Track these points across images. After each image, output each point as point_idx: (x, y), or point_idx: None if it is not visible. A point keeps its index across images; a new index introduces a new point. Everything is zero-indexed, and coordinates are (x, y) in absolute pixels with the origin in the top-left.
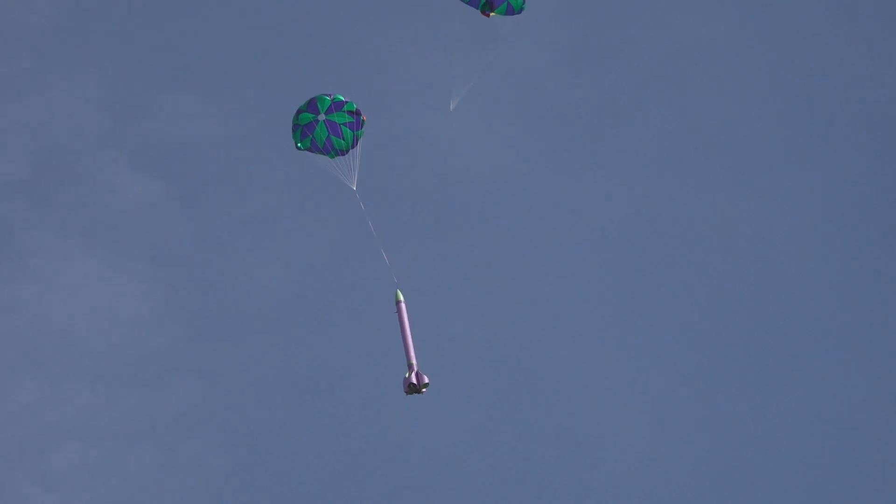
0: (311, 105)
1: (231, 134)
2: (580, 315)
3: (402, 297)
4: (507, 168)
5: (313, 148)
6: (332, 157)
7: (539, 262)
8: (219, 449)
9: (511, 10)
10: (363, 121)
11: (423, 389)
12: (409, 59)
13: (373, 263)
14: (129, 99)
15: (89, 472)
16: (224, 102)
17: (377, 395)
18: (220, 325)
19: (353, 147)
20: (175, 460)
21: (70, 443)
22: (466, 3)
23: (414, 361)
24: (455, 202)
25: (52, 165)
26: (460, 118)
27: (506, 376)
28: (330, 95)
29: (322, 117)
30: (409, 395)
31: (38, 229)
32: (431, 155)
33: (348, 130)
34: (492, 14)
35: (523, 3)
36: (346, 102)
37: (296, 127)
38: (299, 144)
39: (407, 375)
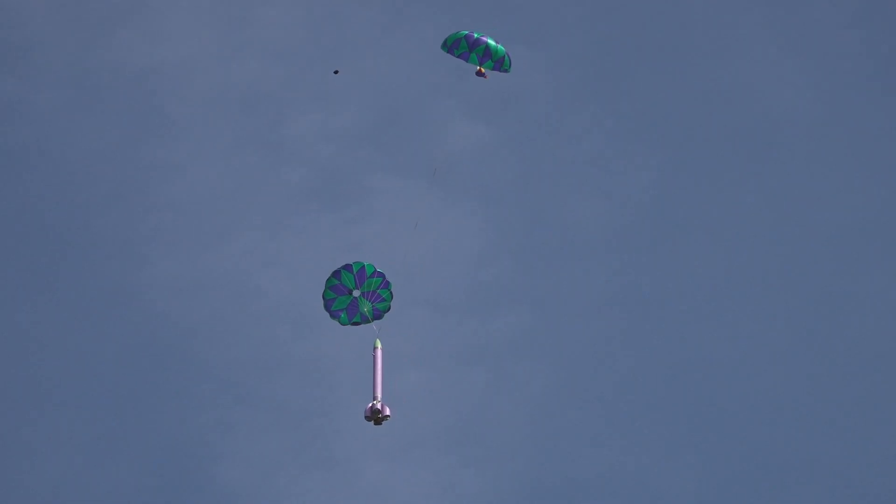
0: (338, 288)
1: (558, 83)
2: None
3: (379, 345)
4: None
5: (364, 320)
6: (381, 318)
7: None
8: (546, 371)
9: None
10: (382, 272)
11: (383, 420)
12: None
13: (697, 195)
14: None
15: (428, 395)
16: (553, 54)
17: (696, 318)
18: (547, 257)
19: (392, 298)
20: (506, 383)
21: (410, 368)
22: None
23: (379, 395)
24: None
25: (395, 115)
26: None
27: None
28: (347, 268)
29: (356, 293)
30: (368, 420)
31: (381, 173)
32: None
33: (385, 291)
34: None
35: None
36: (365, 266)
37: (337, 313)
38: (355, 321)
39: (371, 403)
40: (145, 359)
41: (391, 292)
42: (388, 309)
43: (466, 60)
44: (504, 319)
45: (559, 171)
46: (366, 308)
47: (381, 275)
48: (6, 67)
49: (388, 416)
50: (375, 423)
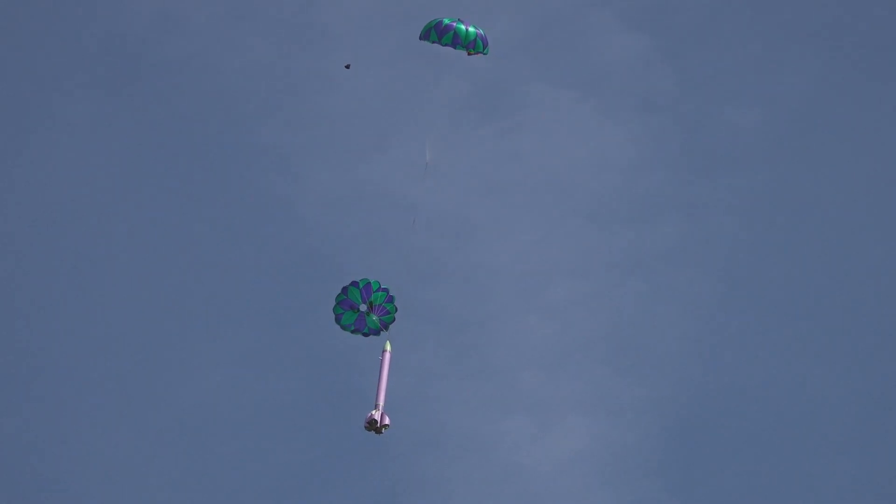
0: (345, 303)
1: None
2: None
3: (388, 348)
4: None
5: (373, 333)
6: (388, 329)
7: None
8: (703, 280)
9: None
10: (386, 288)
11: (383, 430)
12: None
13: (854, 100)
14: None
15: (584, 305)
16: None
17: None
18: (702, 166)
19: (396, 311)
20: (662, 292)
21: (566, 277)
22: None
23: (381, 402)
24: None
25: (551, 26)
26: None
27: None
28: (354, 284)
29: (363, 308)
30: (367, 431)
31: (537, 84)
32: None
33: (391, 305)
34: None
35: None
36: (370, 283)
37: (347, 326)
38: (363, 332)
39: (371, 412)
40: (299, 271)
41: (396, 306)
42: (394, 321)
43: (442, 45)
44: (661, 229)
45: (715, 79)
46: (373, 321)
47: (386, 290)
48: None
49: (388, 424)
50: (376, 433)
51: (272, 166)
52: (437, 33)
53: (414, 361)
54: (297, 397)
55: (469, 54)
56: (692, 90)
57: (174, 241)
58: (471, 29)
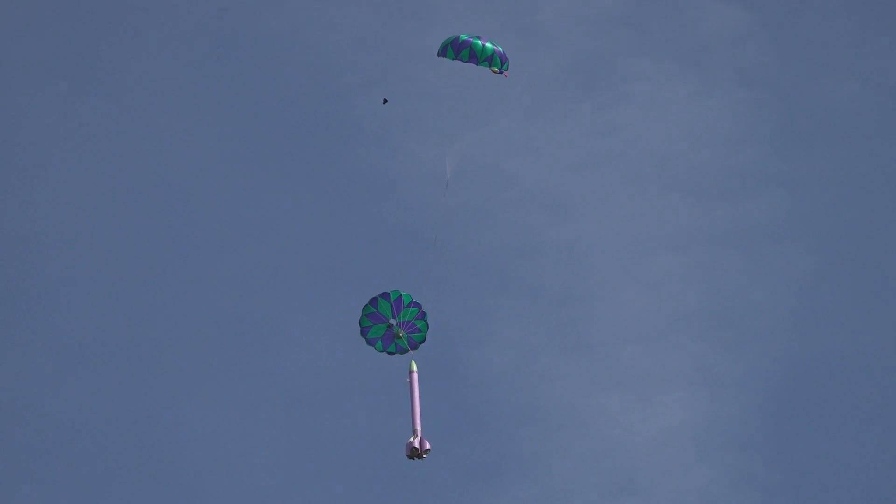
0: (374, 316)
1: None
2: None
3: (415, 368)
4: None
5: (399, 350)
6: (416, 348)
7: None
8: (802, 254)
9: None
10: (419, 303)
11: (424, 455)
12: None
13: None
14: None
15: (682, 279)
16: None
17: None
18: (800, 140)
19: (428, 329)
20: (763, 266)
21: (665, 252)
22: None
23: (419, 427)
24: None
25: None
26: None
27: None
28: (385, 296)
29: (393, 322)
30: (410, 459)
31: (636, 57)
32: None
33: (422, 322)
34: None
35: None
36: (402, 296)
37: (373, 341)
38: (389, 350)
39: (410, 440)
40: (400, 245)
41: (427, 323)
42: (424, 340)
43: (463, 62)
44: (759, 203)
45: (813, 52)
46: (400, 339)
47: (418, 305)
48: None
49: (429, 449)
50: (419, 459)
51: (371, 140)
52: (453, 50)
53: (513, 337)
54: (397, 370)
55: (494, 73)
56: (790, 63)
57: (274, 215)
58: (488, 45)
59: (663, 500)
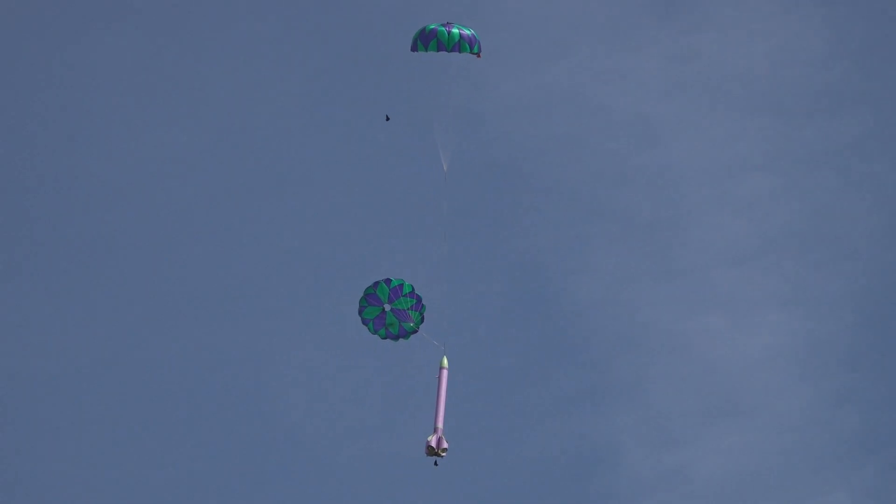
0: (372, 298)
1: None
2: None
3: (446, 364)
4: None
5: (389, 336)
6: (408, 338)
7: None
8: (894, 170)
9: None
10: (419, 297)
11: (443, 453)
12: None
13: None
14: None
15: (774, 199)
16: None
17: None
18: (888, 56)
19: (421, 322)
20: (854, 183)
21: (755, 173)
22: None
23: (440, 425)
24: None
25: None
26: None
27: None
28: (387, 282)
29: (387, 307)
30: (428, 456)
31: None
32: None
33: (415, 313)
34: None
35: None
36: (403, 285)
37: (365, 321)
38: (380, 334)
39: (429, 438)
40: (489, 178)
41: (422, 316)
42: (415, 331)
43: (432, 52)
44: (848, 120)
45: None
46: (409, 326)
47: (417, 297)
48: None
49: (447, 448)
50: (438, 456)
51: (456, 73)
52: (423, 42)
53: (607, 264)
54: (496, 301)
55: (476, 55)
56: None
57: (358, 151)
58: (454, 31)
59: (765, 422)
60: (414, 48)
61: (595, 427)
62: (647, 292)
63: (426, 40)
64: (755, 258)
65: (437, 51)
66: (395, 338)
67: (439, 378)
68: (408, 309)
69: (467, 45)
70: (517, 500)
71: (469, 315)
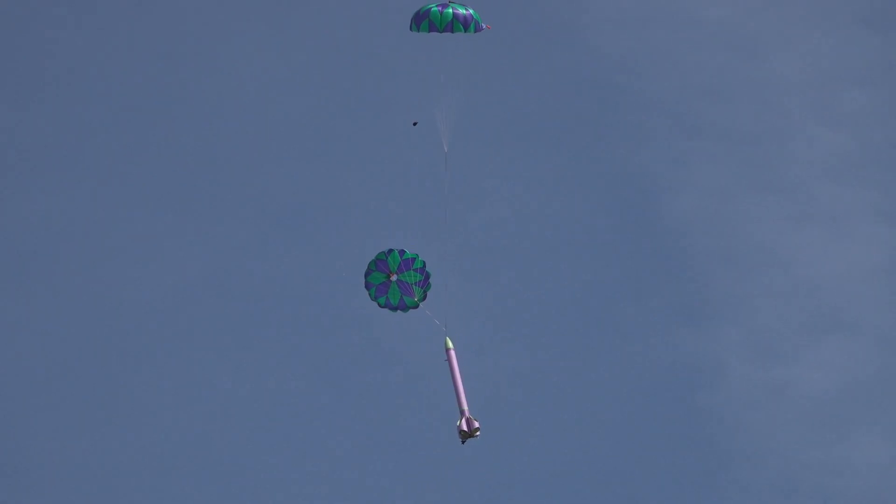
0: (381, 264)
1: None
2: None
3: (451, 345)
4: None
5: (388, 306)
6: (406, 311)
7: None
8: None
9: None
10: (429, 273)
11: (476, 433)
12: None
13: None
14: None
15: (873, 113)
16: None
17: None
18: None
19: (423, 300)
20: None
21: (853, 86)
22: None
23: (465, 408)
24: None
25: None
26: None
27: None
28: (400, 252)
29: (394, 278)
30: (464, 442)
31: None
32: None
33: (418, 289)
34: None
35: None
36: (416, 259)
37: (369, 285)
38: (379, 301)
39: (458, 423)
40: (588, 95)
41: (425, 293)
42: (416, 306)
43: (426, 32)
44: None
45: None
46: (411, 300)
47: (426, 275)
48: None
49: (479, 427)
50: (472, 438)
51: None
52: (416, 24)
53: (707, 180)
54: (592, 218)
55: (487, 28)
56: None
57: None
58: (447, 11)
59: (868, 336)
60: (411, 28)
61: (698, 343)
62: (749, 207)
63: (419, 21)
64: (856, 172)
65: (430, 31)
66: (394, 309)
67: (448, 361)
68: (413, 283)
69: (461, 26)
70: (623, 417)
71: (570, 233)
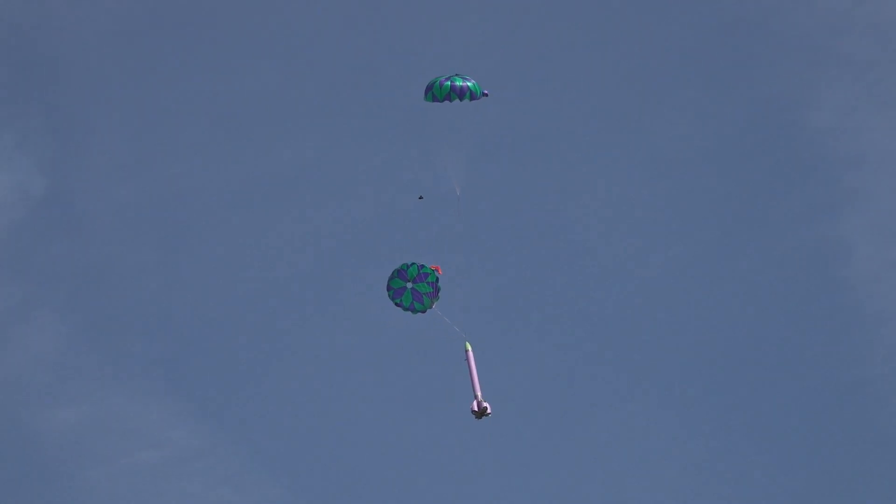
0: (402, 273)
1: None
2: None
3: (469, 347)
4: None
5: (401, 306)
6: (414, 314)
7: None
8: None
9: (473, 95)
10: (439, 288)
11: (487, 413)
12: None
13: None
14: None
15: None
16: None
17: None
18: None
19: (431, 308)
20: None
21: None
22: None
23: (479, 393)
24: None
25: None
26: None
27: None
28: (420, 267)
29: (409, 285)
30: (478, 418)
31: None
32: None
33: (427, 299)
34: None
35: (480, 90)
36: (431, 273)
37: (389, 287)
38: (396, 302)
39: (472, 405)
40: (728, 27)
41: (433, 303)
42: (423, 312)
43: (429, 101)
44: None
45: None
46: (420, 305)
47: (436, 288)
48: None
49: (487, 407)
50: (486, 416)
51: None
52: (426, 94)
53: (833, 98)
54: (739, 135)
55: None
56: None
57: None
58: (446, 84)
59: None
60: (424, 97)
61: (828, 230)
62: (872, 120)
63: (427, 91)
64: None
65: (433, 101)
66: (405, 309)
67: (467, 361)
68: (424, 294)
69: (456, 96)
70: (773, 290)
71: (713, 150)
